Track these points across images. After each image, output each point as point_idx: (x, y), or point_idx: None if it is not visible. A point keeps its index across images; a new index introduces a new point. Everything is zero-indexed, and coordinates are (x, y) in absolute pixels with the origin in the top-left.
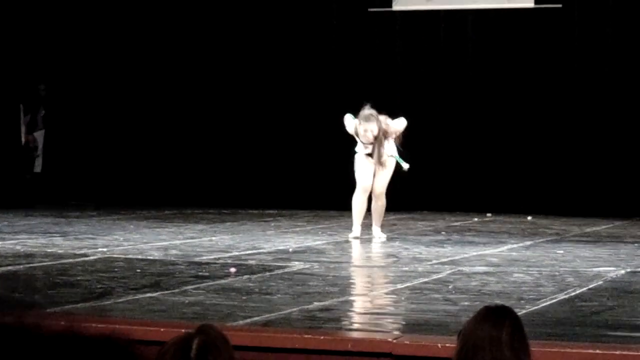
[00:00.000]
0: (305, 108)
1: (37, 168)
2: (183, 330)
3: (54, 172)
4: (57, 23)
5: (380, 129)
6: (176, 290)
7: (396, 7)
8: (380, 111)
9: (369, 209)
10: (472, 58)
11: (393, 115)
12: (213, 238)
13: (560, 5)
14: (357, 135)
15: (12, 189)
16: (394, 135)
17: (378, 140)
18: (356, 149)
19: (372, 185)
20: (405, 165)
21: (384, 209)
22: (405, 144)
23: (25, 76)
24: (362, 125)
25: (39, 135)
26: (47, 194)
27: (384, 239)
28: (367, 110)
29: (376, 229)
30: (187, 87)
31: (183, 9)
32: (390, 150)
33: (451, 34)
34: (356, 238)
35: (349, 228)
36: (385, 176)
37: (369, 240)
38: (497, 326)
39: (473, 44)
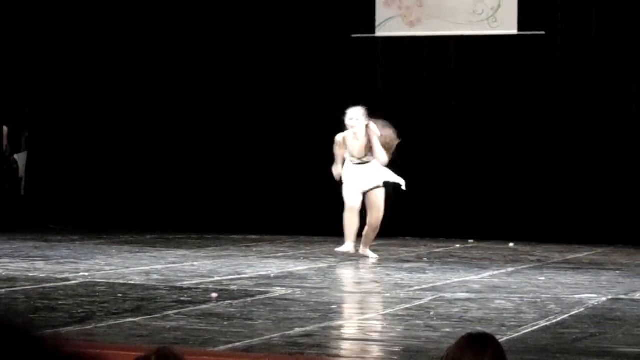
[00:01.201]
0: (288, 134)
1: (22, 191)
2: None
3: (36, 195)
4: (44, 44)
5: (366, 122)
6: (158, 315)
7: (379, 33)
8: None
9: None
10: (455, 84)
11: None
12: (195, 263)
13: (543, 32)
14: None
15: None
16: (374, 140)
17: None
18: (345, 166)
19: (367, 219)
20: (402, 182)
21: (375, 235)
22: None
23: (11, 97)
24: (347, 116)
25: (21, 157)
26: (28, 217)
27: (375, 259)
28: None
29: (367, 251)
30: (170, 113)
31: (166, 38)
32: (380, 176)
33: (434, 61)
34: (344, 253)
35: (331, 254)
36: (377, 210)
37: (352, 266)
38: (479, 353)
39: (456, 71)
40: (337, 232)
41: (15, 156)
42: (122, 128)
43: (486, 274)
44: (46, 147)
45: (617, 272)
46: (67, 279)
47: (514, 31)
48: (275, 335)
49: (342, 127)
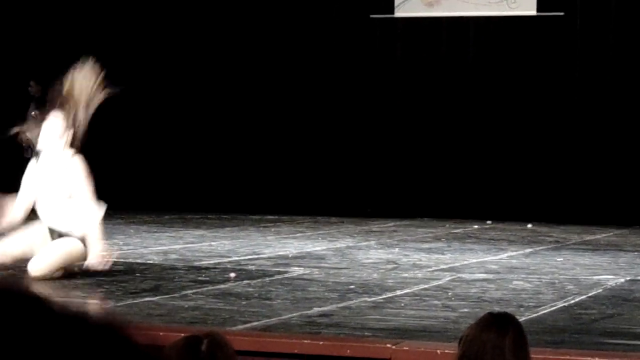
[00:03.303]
0: (306, 114)
1: None
2: (182, 335)
3: None
4: (51, 17)
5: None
6: (176, 295)
7: (398, 13)
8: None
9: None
10: (473, 65)
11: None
12: (213, 243)
13: (562, 13)
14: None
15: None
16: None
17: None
18: None
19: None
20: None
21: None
22: (399, 151)
23: (15, 73)
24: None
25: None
26: None
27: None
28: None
29: None
30: (188, 90)
31: (184, 8)
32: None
33: (453, 41)
34: None
35: (349, 234)
36: (51, 252)
37: (368, 247)
38: (500, 333)
39: (475, 51)
40: (355, 213)
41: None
42: (140, 108)
43: (504, 255)
44: None
45: (635, 253)
46: (84, 259)
47: (532, 12)
48: (294, 314)
49: (359, 109)
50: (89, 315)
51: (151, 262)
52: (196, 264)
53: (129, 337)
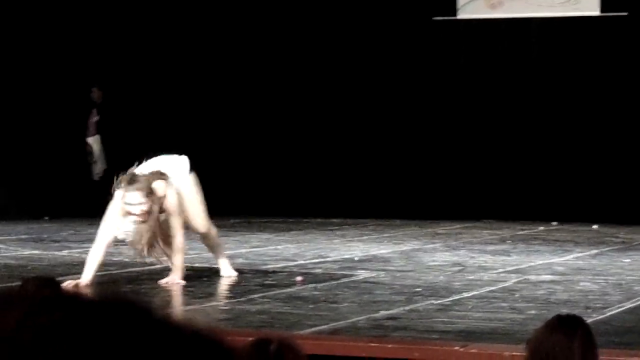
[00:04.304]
0: (371, 117)
1: (95, 176)
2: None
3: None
4: (114, 24)
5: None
6: (243, 299)
7: (461, 15)
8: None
9: None
10: (536, 66)
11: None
12: (279, 247)
13: (626, 13)
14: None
15: (76, 196)
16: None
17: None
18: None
19: (190, 226)
20: None
21: (217, 241)
22: (465, 152)
23: (77, 79)
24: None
25: (93, 140)
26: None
27: (234, 276)
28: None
29: (222, 262)
30: (250, 93)
31: (236, 20)
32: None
33: (515, 42)
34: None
35: (415, 237)
36: (194, 208)
37: (434, 249)
38: (569, 335)
39: (537, 52)
40: (419, 215)
41: (89, 139)
42: (202, 110)
43: (570, 256)
44: (119, 130)
45: None
46: (152, 264)
47: (596, 12)
48: (361, 318)
49: (424, 112)
50: (195, 327)
51: (217, 266)
52: (262, 267)
53: (231, 350)
